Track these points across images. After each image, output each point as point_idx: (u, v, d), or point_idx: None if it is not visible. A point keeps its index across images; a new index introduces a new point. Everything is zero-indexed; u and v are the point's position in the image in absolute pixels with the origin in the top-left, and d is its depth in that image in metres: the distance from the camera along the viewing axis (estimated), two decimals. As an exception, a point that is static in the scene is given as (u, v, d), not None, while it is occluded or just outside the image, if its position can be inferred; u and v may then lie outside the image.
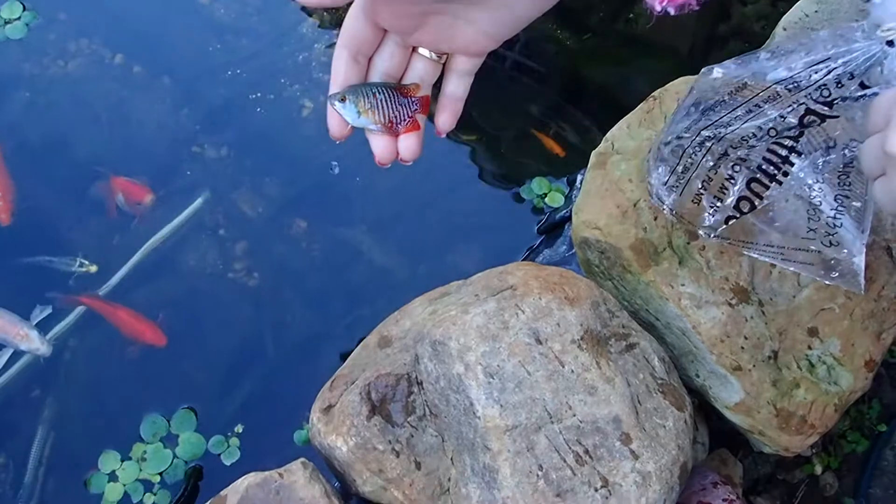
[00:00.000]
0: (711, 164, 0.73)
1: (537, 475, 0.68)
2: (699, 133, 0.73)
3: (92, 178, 1.24)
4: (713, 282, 0.82)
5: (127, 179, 1.22)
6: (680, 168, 0.76)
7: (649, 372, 0.77)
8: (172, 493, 0.98)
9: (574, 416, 0.70)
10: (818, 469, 1.00)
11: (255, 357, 1.12)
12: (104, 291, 1.17)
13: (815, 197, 0.71)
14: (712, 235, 0.76)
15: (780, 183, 0.71)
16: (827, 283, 0.74)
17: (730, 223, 0.75)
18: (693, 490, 0.83)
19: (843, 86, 0.63)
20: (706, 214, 0.76)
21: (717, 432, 0.95)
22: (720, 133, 0.71)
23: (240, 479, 0.73)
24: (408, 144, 0.60)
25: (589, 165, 0.89)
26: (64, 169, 1.28)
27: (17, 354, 1.08)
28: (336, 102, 0.55)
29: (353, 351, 0.86)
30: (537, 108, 1.34)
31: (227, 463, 0.99)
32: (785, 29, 0.97)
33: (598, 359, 0.73)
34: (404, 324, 0.81)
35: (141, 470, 0.98)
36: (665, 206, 0.78)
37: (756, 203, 0.73)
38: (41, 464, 1.01)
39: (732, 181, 0.73)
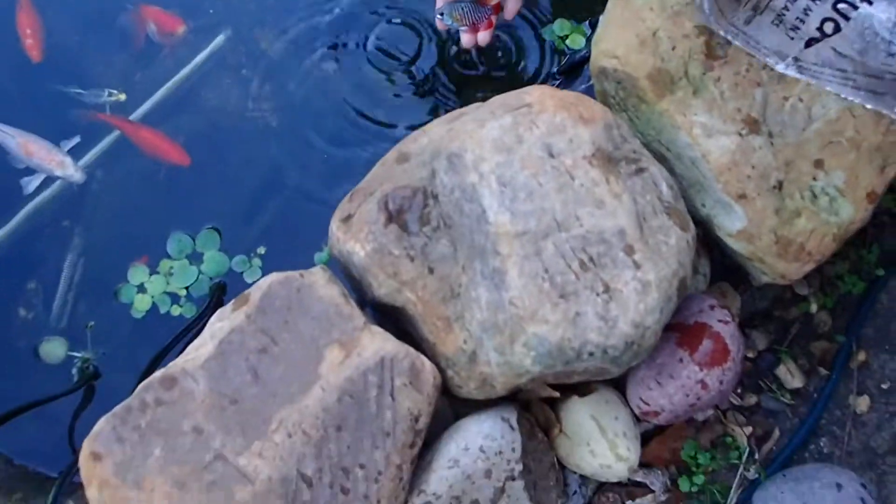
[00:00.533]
0: None
1: (543, 278, 0.72)
2: None
3: (122, 8, 1.25)
4: (726, 112, 0.83)
5: (159, 9, 1.22)
6: None
7: (656, 195, 0.80)
8: (198, 305, 1.04)
9: (581, 226, 0.73)
10: (813, 307, 1.04)
11: (277, 187, 1.15)
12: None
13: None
14: (780, 62, 0.76)
15: (871, 3, 0.71)
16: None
17: (811, 45, 0.74)
18: (691, 311, 0.88)
19: None
20: (764, 25, 0.75)
21: (718, 266, 0.98)
22: None
23: (264, 278, 0.78)
24: (482, 37, 1.04)
25: (611, -5, 0.89)
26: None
27: (48, 183, 1.13)
28: (438, 15, 1.03)
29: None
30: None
31: (249, 281, 1.05)
32: None
33: (607, 175, 0.76)
34: (422, 140, 0.84)
35: (168, 284, 1.03)
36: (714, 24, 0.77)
37: (841, 24, 0.72)
38: (72, 285, 1.07)
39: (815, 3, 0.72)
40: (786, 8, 0.74)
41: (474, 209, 0.74)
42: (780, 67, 0.80)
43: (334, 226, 0.82)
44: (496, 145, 0.74)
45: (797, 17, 0.75)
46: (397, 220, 0.79)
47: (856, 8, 0.71)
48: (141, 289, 1.03)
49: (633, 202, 0.77)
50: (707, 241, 0.94)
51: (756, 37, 0.78)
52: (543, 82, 1.16)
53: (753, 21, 0.78)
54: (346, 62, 1.22)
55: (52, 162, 1.10)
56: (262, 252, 1.06)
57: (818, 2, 0.73)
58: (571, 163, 0.75)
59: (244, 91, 1.24)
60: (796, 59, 0.77)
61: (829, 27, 0.73)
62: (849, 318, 1.05)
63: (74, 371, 1.00)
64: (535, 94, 0.79)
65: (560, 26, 1.17)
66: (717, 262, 0.97)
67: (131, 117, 1.19)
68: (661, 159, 0.88)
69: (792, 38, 0.76)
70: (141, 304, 1.02)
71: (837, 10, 0.72)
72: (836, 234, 0.84)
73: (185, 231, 1.07)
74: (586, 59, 1.09)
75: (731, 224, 0.85)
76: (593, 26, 1.16)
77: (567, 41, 1.16)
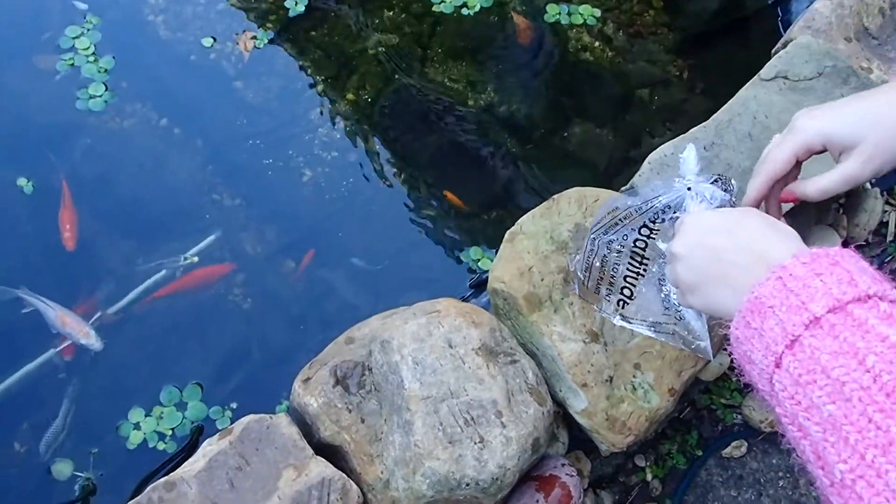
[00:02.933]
0: (600, 265, 1.13)
1: (439, 428, 1.05)
2: (595, 242, 1.13)
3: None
4: (575, 326, 1.21)
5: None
6: (586, 266, 1.16)
7: (524, 379, 1.16)
8: (179, 443, 1.33)
9: (467, 395, 1.08)
10: (649, 476, 1.38)
11: (247, 358, 1.49)
12: (127, 301, 1.54)
13: (664, 289, 1.12)
14: (614, 318, 1.16)
15: (644, 276, 1.11)
16: (688, 350, 1.15)
17: (621, 305, 1.15)
18: (549, 467, 1.21)
19: (665, 213, 1.03)
20: (605, 301, 1.16)
21: (576, 440, 1.32)
22: (609, 243, 1.11)
23: (244, 418, 1.09)
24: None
25: (504, 239, 1.29)
26: (112, 203, 1.66)
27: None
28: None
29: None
30: (484, 195, 1.75)
31: (221, 427, 1.35)
32: (650, 163, 1.39)
33: (488, 363, 1.11)
34: (364, 330, 1.19)
35: (158, 424, 1.33)
36: (577, 291, 1.18)
37: (633, 291, 1.13)
38: (65, 425, 1.36)
39: (615, 276, 1.13)
40: (610, 286, 1.15)
41: (396, 379, 1.09)
42: (613, 320, 1.18)
43: (297, 384, 1.15)
44: (414, 336, 1.10)
45: (612, 292, 1.16)
46: (342, 384, 1.12)
47: (632, 297, 1.13)
48: (136, 426, 1.33)
49: (505, 382, 1.12)
50: (567, 419, 1.29)
51: (598, 305, 1.18)
52: (459, 293, 1.55)
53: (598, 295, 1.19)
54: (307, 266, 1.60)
55: (81, 332, 1.43)
56: (234, 406, 1.38)
57: (614, 291, 1.14)
58: (464, 352, 1.11)
59: (226, 280, 1.60)
60: (622, 316, 1.17)
61: (627, 293, 1.14)
62: (675, 486, 1.39)
63: (76, 488, 1.27)
64: (443, 303, 1.16)
65: (474, 252, 1.57)
66: (574, 435, 1.31)
67: (129, 295, 1.54)
68: (533, 355, 1.24)
69: (611, 302, 1.16)
70: (135, 438, 1.31)
71: (628, 288, 1.13)
72: (648, 416, 1.20)
73: (174, 384, 1.38)
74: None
75: (577, 405, 1.20)
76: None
77: (479, 263, 1.56)
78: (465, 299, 1.51)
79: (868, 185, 1.61)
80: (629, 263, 1.11)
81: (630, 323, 1.17)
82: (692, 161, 1.00)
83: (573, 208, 1.29)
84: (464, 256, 1.57)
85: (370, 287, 1.59)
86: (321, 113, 1.78)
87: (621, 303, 1.14)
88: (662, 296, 1.10)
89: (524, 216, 1.31)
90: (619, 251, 1.10)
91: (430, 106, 1.84)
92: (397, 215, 1.68)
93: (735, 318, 0.71)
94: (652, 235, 1.06)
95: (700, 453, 1.40)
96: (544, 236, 1.26)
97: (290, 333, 1.57)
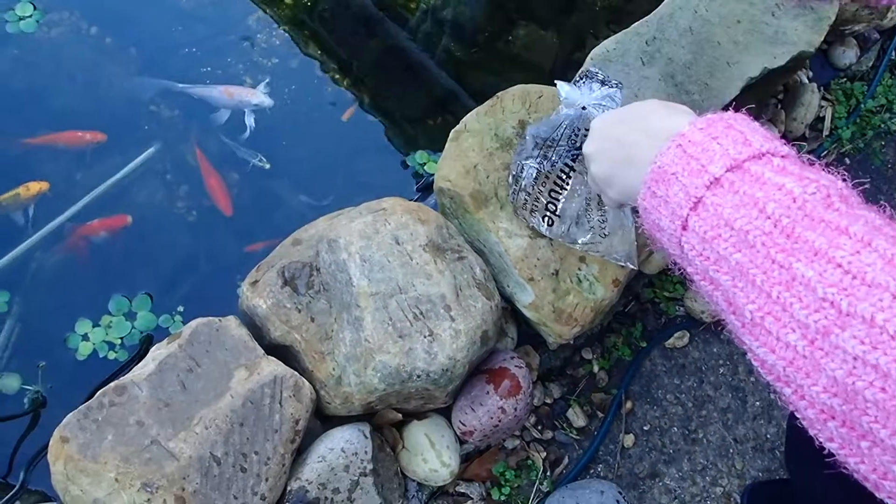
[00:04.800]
0: (526, 188, 1.14)
1: (388, 323, 1.07)
2: (519, 166, 1.14)
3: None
4: (520, 223, 1.22)
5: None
6: (514, 187, 1.17)
7: (471, 275, 1.17)
8: (129, 352, 1.33)
9: (416, 290, 1.09)
10: (595, 368, 1.42)
11: (195, 266, 1.48)
12: (71, 213, 1.50)
13: (588, 211, 1.14)
14: (540, 230, 1.17)
15: (566, 195, 1.13)
16: (615, 263, 1.17)
17: (548, 222, 1.16)
18: (498, 360, 1.24)
19: (577, 134, 1.05)
20: (533, 219, 1.17)
21: (525, 335, 1.35)
22: (531, 167, 1.12)
23: (192, 321, 1.09)
24: None
25: (449, 139, 1.29)
26: (42, 116, 1.60)
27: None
28: None
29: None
30: (429, 100, 1.73)
31: (172, 332, 1.35)
32: (592, 59, 1.39)
33: (436, 258, 1.12)
34: (311, 231, 1.19)
35: (107, 334, 1.32)
36: (512, 203, 1.19)
37: (557, 208, 1.14)
38: (11, 336, 1.34)
39: (538, 199, 1.14)
40: (534, 207, 1.17)
41: (344, 277, 1.09)
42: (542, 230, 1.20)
43: (245, 287, 1.15)
44: (361, 234, 1.10)
45: (537, 210, 1.17)
46: (290, 285, 1.12)
47: (558, 216, 1.15)
48: (85, 337, 1.32)
49: (453, 277, 1.13)
50: (515, 314, 1.31)
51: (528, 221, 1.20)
52: (406, 196, 1.54)
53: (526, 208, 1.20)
54: (252, 176, 1.58)
55: (249, 94, 1.55)
56: (181, 310, 1.37)
57: (541, 211, 1.15)
58: (411, 248, 1.11)
59: (168, 192, 1.57)
60: (550, 233, 1.18)
61: (551, 208, 1.15)
62: (621, 377, 1.43)
63: (26, 401, 1.27)
64: (389, 201, 1.16)
65: (420, 156, 1.56)
66: (523, 330, 1.34)
67: (75, 206, 1.51)
68: (480, 253, 1.26)
69: (539, 220, 1.18)
70: (84, 349, 1.30)
71: (549, 213, 1.15)
72: (593, 307, 1.23)
73: (123, 293, 1.37)
74: (437, 181, 1.48)
75: (524, 298, 1.23)
76: (444, 158, 1.57)
77: (425, 167, 1.56)
78: (411, 200, 1.51)
79: (805, 80, 1.63)
80: (553, 185, 1.13)
81: (560, 240, 1.19)
82: (573, 93, 1.03)
83: (517, 105, 1.29)
84: (409, 161, 1.57)
85: (315, 195, 1.58)
86: (259, 18, 1.72)
87: (547, 219, 1.15)
88: (588, 216, 1.13)
89: (468, 114, 1.30)
90: (546, 175, 1.12)
91: (371, 9, 1.79)
92: (341, 122, 1.65)
93: (642, 190, 0.73)
94: (573, 158, 1.09)
95: (644, 345, 1.45)
96: (489, 133, 1.26)
97: (236, 243, 1.56)
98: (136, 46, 1.68)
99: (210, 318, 1.10)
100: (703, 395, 1.44)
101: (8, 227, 1.47)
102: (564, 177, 1.13)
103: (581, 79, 1.04)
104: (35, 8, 1.63)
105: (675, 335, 1.46)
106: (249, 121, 1.58)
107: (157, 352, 1.07)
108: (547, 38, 1.86)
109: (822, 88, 1.69)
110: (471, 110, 1.73)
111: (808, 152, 1.69)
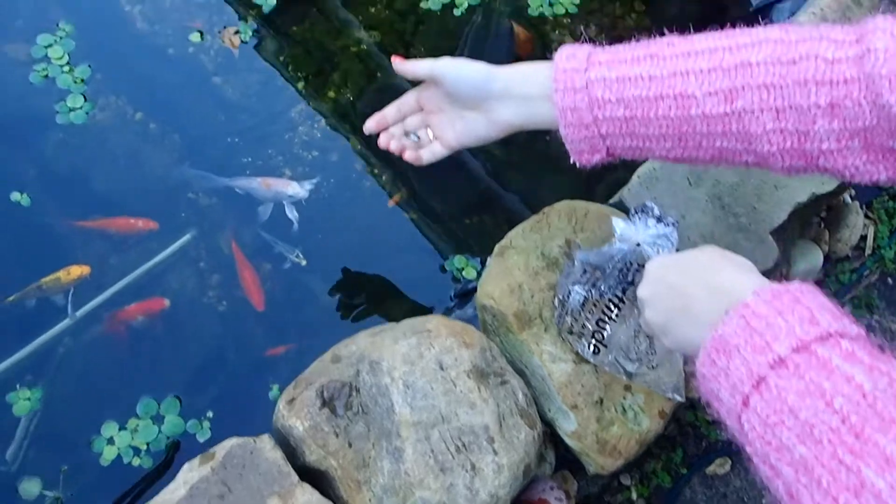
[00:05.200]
0: (578, 308, 1.13)
1: (429, 455, 1.03)
2: (567, 290, 1.13)
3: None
4: (565, 346, 1.19)
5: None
6: (560, 310, 1.15)
7: (514, 401, 1.13)
8: (155, 459, 1.29)
9: (459, 420, 1.05)
10: (634, 495, 1.37)
11: (224, 364, 1.45)
12: (105, 297, 1.49)
13: (635, 342, 1.11)
14: (586, 356, 1.15)
15: (615, 321, 1.11)
16: (658, 392, 1.14)
17: (594, 349, 1.14)
18: (537, 490, 1.19)
19: (629, 269, 1.03)
20: (579, 344, 1.15)
21: (563, 459, 1.31)
22: (579, 294, 1.10)
23: (226, 441, 1.05)
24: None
25: (493, 254, 1.26)
26: (83, 197, 1.60)
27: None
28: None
29: (304, 369, 1.21)
30: (468, 199, 1.72)
31: (201, 440, 1.31)
32: (638, 177, 1.38)
33: (479, 385, 1.09)
34: (352, 347, 1.16)
35: (133, 438, 1.28)
36: (558, 325, 1.17)
37: (604, 337, 1.12)
38: (27, 434, 1.30)
39: (585, 326, 1.12)
40: (580, 338, 1.14)
41: (385, 402, 1.06)
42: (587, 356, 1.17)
43: (281, 405, 1.11)
44: (405, 358, 1.07)
45: (585, 337, 1.15)
46: (329, 406, 1.09)
47: (605, 345, 1.12)
48: (110, 441, 1.28)
49: (497, 405, 1.10)
50: (554, 437, 1.27)
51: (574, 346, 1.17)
52: (443, 302, 1.52)
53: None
54: (284, 269, 1.56)
55: (285, 186, 1.55)
56: (211, 416, 1.34)
57: (587, 338, 1.13)
58: (455, 374, 1.08)
59: (201, 280, 1.55)
60: (597, 361, 1.16)
61: (598, 336, 1.13)
62: (659, 504, 1.38)
63: (45, 508, 1.23)
64: (433, 322, 1.13)
65: (458, 260, 1.54)
66: (561, 454, 1.30)
67: (107, 291, 1.49)
68: (521, 373, 1.22)
69: (585, 346, 1.15)
70: (108, 454, 1.26)
71: (596, 340, 1.13)
72: (639, 439, 1.18)
73: (152, 395, 1.34)
74: (475, 289, 1.45)
75: (567, 426, 1.18)
76: (482, 262, 1.54)
77: (463, 272, 1.53)
78: (449, 310, 1.48)
79: (849, 200, 1.61)
80: (601, 314, 1.12)
81: (606, 368, 1.16)
82: (629, 230, 1.01)
83: (563, 222, 1.27)
84: (448, 265, 1.54)
85: (349, 293, 1.55)
86: (301, 111, 1.73)
87: (593, 346, 1.13)
88: (636, 348, 1.10)
89: (514, 230, 1.28)
90: (594, 303, 1.11)
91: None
92: (379, 219, 1.64)
93: (700, 355, 0.71)
94: (623, 290, 1.07)
95: (685, 471, 1.40)
96: (534, 252, 1.24)
97: (266, 339, 1.53)
98: (179, 133, 1.68)
99: (245, 438, 1.06)
100: (744, 526, 1.39)
101: (42, 313, 1.45)
102: (613, 307, 1.10)
103: (636, 213, 1.02)
104: (86, 99, 1.63)
105: (717, 462, 1.41)
106: (292, 213, 1.57)
107: (189, 474, 1.03)
108: (587, 140, 1.85)
109: (863, 207, 1.67)
110: (508, 212, 1.73)
111: (851, 271, 1.65)
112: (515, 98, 0.99)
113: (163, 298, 1.50)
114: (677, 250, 0.96)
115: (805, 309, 0.65)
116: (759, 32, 0.84)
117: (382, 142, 1.16)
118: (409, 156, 1.15)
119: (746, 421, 0.65)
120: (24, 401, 1.31)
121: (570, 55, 0.92)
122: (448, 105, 1.08)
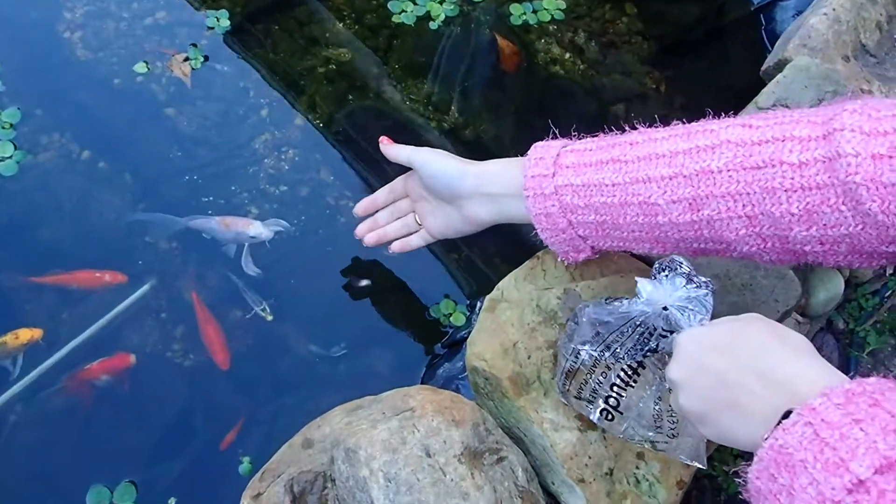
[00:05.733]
0: (589, 369, 0.99)
1: (418, 560, 0.88)
2: (573, 350, 0.99)
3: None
4: (568, 411, 1.05)
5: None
6: (566, 372, 1.01)
7: (513, 481, 0.99)
8: (108, 560, 1.14)
9: (450, 515, 0.91)
10: (648, 562, 1.23)
11: (190, 435, 1.30)
12: (56, 359, 1.34)
13: (655, 408, 0.97)
14: (595, 422, 1.01)
15: (633, 387, 0.97)
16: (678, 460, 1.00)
17: (606, 416, 1.00)
18: (542, 576, 1.05)
19: (652, 334, 0.89)
20: (588, 410, 1.01)
21: (569, 527, 1.17)
22: (590, 355, 0.97)
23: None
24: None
25: (483, 308, 1.12)
26: (26, 249, 1.45)
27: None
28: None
29: (278, 438, 1.07)
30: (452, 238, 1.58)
31: (159, 533, 1.17)
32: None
33: (472, 470, 0.95)
34: (325, 429, 1.01)
35: (84, 536, 1.14)
36: (560, 393, 1.03)
37: (619, 402, 0.98)
38: None
39: (597, 391, 0.98)
40: (590, 403, 1.00)
41: (364, 498, 0.91)
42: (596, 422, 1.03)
43: (245, 502, 0.97)
44: (384, 445, 0.93)
45: (595, 403, 1.01)
46: (300, 502, 0.95)
47: (618, 413, 0.98)
48: (57, 542, 1.14)
49: (493, 491, 0.95)
50: (558, 505, 1.13)
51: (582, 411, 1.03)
52: (430, 353, 1.37)
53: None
54: (254, 318, 1.41)
55: (246, 226, 1.42)
56: (174, 503, 1.19)
57: (598, 404, 0.99)
58: (444, 461, 0.94)
59: (163, 334, 1.40)
60: (609, 428, 1.01)
61: (612, 402, 0.99)
62: (677, 571, 1.25)
63: None
64: (417, 397, 0.99)
65: (445, 305, 1.40)
66: (567, 523, 1.16)
67: (58, 353, 1.34)
68: (519, 441, 1.08)
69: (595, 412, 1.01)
70: (56, 558, 1.12)
71: (610, 407, 0.99)
72: (655, 514, 1.05)
73: (103, 482, 1.19)
74: (465, 337, 1.31)
75: (573, 502, 1.05)
76: (472, 308, 1.40)
77: (451, 318, 1.39)
78: (436, 362, 1.34)
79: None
80: (616, 380, 0.98)
81: (620, 436, 1.02)
82: (656, 293, 0.87)
83: (560, 269, 1.13)
84: (433, 311, 1.40)
85: (326, 343, 1.41)
86: (266, 141, 1.58)
87: (606, 413, 0.99)
88: (655, 415, 0.96)
89: (505, 279, 1.14)
90: (607, 366, 0.96)
91: (388, 130, 1.65)
92: (356, 258, 1.49)
93: (755, 465, 0.61)
94: (643, 356, 0.93)
95: (703, 530, 1.27)
96: (530, 305, 1.10)
97: (236, 398, 1.38)
98: (130, 172, 1.53)
99: (204, 546, 0.92)
100: (770, 588, 1.25)
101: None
102: (631, 372, 0.96)
103: (661, 270, 0.88)
104: (16, 147, 1.48)
105: (737, 517, 1.28)
106: (248, 264, 1.42)
107: (139, 593, 0.88)
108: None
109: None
110: (497, 246, 1.58)
111: (872, 293, 1.52)
112: (485, 196, 1.01)
113: (128, 354, 1.36)
114: (712, 318, 0.82)
115: (887, 415, 0.54)
116: (720, 133, 0.80)
117: (361, 231, 1.23)
118: (396, 246, 1.21)
119: None
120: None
121: (539, 158, 0.94)
122: (428, 195, 1.12)
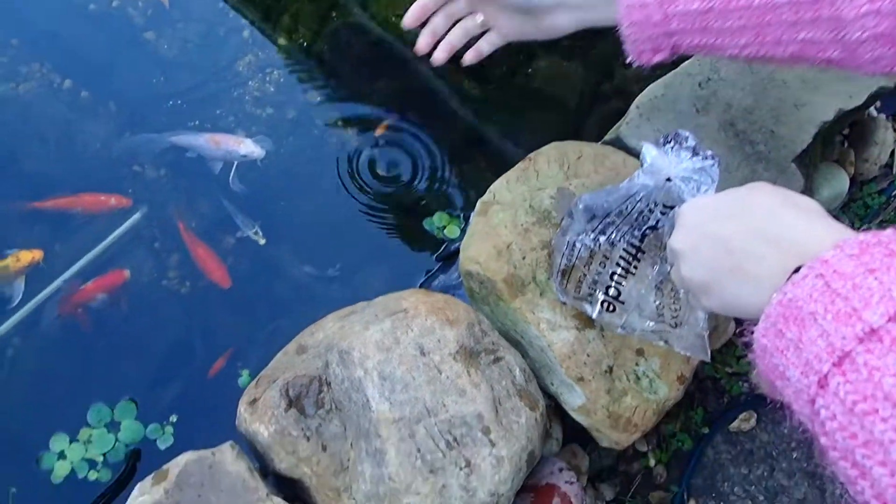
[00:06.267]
0: (582, 267, 0.96)
1: (416, 456, 0.88)
2: (570, 243, 0.96)
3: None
4: (565, 311, 1.03)
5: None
6: (564, 266, 0.98)
7: (511, 380, 0.98)
8: (114, 471, 1.14)
9: (447, 412, 0.90)
10: (652, 462, 1.23)
11: (188, 356, 1.29)
12: (49, 291, 1.32)
13: (656, 296, 0.95)
14: (594, 317, 0.98)
15: (633, 274, 0.94)
16: (680, 352, 0.98)
17: (606, 307, 0.97)
18: (544, 474, 1.05)
19: (652, 211, 0.86)
20: (587, 304, 0.98)
21: (570, 430, 1.17)
22: (588, 244, 0.94)
23: (180, 456, 0.90)
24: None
25: (474, 212, 1.10)
26: (12, 180, 1.42)
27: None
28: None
29: (275, 355, 1.05)
30: (444, 149, 1.55)
31: (162, 447, 1.16)
32: (638, 107, 1.20)
33: (469, 368, 0.94)
34: (318, 335, 1.00)
35: (87, 451, 1.14)
36: (558, 291, 1.01)
37: (620, 291, 0.96)
38: None
39: (597, 281, 0.96)
40: (589, 296, 0.98)
41: (360, 398, 0.90)
42: (599, 321, 1.01)
43: (242, 408, 0.96)
44: (378, 345, 0.91)
45: (594, 296, 0.98)
46: (296, 405, 0.94)
47: (619, 303, 0.96)
48: (61, 455, 1.13)
49: (490, 389, 0.94)
50: (559, 409, 1.12)
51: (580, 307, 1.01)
52: (425, 267, 1.35)
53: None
54: (248, 242, 1.39)
55: (237, 144, 1.37)
56: (174, 420, 1.19)
57: (598, 296, 0.97)
58: (439, 359, 0.92)
59: (158, 263, 1.38)
60: (608, 322, 0.99)
61: (612, 293, 0.97)
62: (681, 470, 1.24)
63: (-4, 538, 1.09)
64: (410, 299, 0.97)
65: (438, 218, 1.37)
66: (568, 426, 1.15)
67: (51, 285, 1.32)
68: (517, 344, 1.07)
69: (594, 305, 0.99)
70: (60, 470, 1.12)
71: (611, 297, 0.96)
72: (656, 409, 1.04)
73: (103, 400, 1.18)
74: (459, 249, 1.29)
75: (573, 401, 1.04)
76: (466, 219, 1.38)
77: (445, 231, 1.37)
78: (432, 274, 1.33)
79: (875, 113, 1.44)
80: (615, 268, 0.95)
81: (616, 329, 1.00)
82: (660, 160, 0.84)
83: (553, 168, 1.10)
84: (427, 224, 1.38)
85: (321, 264, 1.39)
86: (250, 63, 1.54)
87: (607, 305, 0.96)
88: (656, 304, 0.94)
89: (497, 182, 1.11)
90: (605, 255, 0.93)
91: (374, 48, 1.61)
92: (347, 177, 1.47)
93: (762, 322, 0.57)
94: (641, 237, 0.90)
95: (706, 430, 1.26)
96: (522, 206, 1.08)
97: (234, 320, 1.37)
98: (114, 99, 1.50)
99: (201, 452, 0.91)
100: (775, 485, 1.25)
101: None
102: (631, 259, 0.94)
103: (667, 142, 0.85)
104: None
105: (741, 417, 1.27)
106: (235, 182, 1.39)
107: (140, 498, 0.88)
108: (570, 69, 1.67)
109: (889, 118, 1.49)
110: (491, 157, 1.56)
111: (878, 192, 1.49)
112: (570, 5, 0.93)
113: (122, 270, 1.34)
114: (717, 190, 0.79)
115: None
116: None
117: (422, 45, 1.05)
118: (469, 56, 1.06)
119: (823, 407, 0.50)
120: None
121: None
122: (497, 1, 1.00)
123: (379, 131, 1.47)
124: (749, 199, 0.66)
